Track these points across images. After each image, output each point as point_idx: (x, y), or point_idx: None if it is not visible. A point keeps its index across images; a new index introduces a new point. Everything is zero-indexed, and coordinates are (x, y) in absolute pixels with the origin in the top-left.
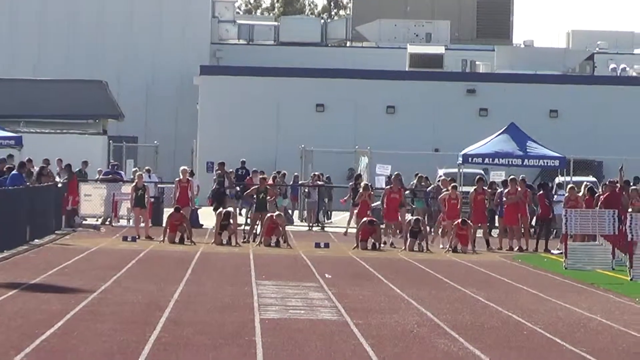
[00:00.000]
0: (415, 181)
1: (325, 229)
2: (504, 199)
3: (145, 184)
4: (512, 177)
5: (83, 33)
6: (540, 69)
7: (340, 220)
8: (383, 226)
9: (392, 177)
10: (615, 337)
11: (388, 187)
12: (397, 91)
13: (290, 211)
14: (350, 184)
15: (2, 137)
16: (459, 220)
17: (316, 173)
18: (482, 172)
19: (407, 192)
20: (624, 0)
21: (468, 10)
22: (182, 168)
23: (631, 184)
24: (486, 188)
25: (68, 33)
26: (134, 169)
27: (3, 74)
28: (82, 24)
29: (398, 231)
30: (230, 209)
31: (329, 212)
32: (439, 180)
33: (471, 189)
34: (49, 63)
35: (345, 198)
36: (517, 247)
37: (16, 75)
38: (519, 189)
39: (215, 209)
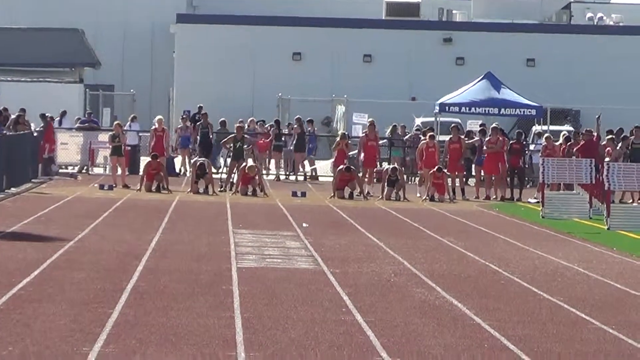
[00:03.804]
0: (389, 130)
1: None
2: (484, 147)
3: (122, 132)
4: (494, 125)
5: None
6: (517, 18)
7: (317, 169)
8: (361, 174)
9: (368, 124)
10: (592, 286)
11: (364, 134)
12: (373, 40)
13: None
14: (273, 128)
15: None
16: (435, 168)
17: (291, 122)
18: (459, 121)
19: (383, 141)
20: None
21: None
22: (157, 117)
23: (614, 133)
24: (463, 137)
25: None
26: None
27: None
28: None
29: (376, 180)
30: (204, 159)
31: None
32: (416, 129)
33: (447, 138)
34: (21, 12)
35: (266, 141)
36: (500, 197)
37: None
38: (500, 138)
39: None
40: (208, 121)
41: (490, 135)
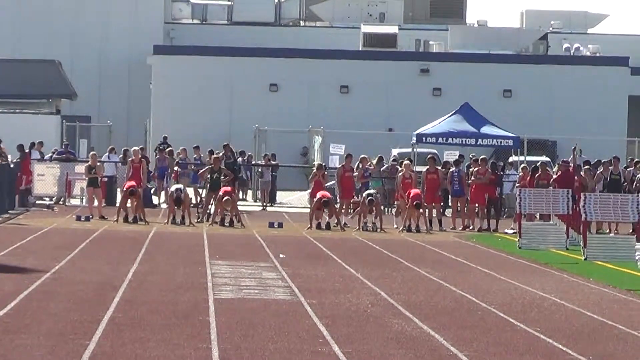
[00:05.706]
0: (375, 161)
1: (278, 208)
2: (473, 178)
3: (99, 163)
4: (483, 157)
5: (34, 12)
6: (494, 49)
7: (293, 200)
8: (338, 205)
9: (345, 156)
10: (569, 316)
11: (340, 165)
12: (350, 71)
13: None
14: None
15: None
16: (414, 204)
17: (267, 154)
18: (436, 152)
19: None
20: None
21: None
22: (134, 149)
23: (591, 163)
24: (440, 167)
25: (18, 13)
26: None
27: None
28: (33, 3)
29: (353, 210)
30: (181, 186)
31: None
32: (393, 160)
33: (424, 169)
34: None
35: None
36: (479, 227)
37: None
38: (489, 169)
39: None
40: (231, 150)
41: (479, 166)
